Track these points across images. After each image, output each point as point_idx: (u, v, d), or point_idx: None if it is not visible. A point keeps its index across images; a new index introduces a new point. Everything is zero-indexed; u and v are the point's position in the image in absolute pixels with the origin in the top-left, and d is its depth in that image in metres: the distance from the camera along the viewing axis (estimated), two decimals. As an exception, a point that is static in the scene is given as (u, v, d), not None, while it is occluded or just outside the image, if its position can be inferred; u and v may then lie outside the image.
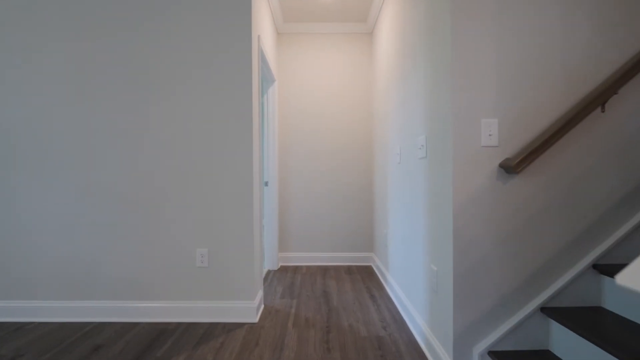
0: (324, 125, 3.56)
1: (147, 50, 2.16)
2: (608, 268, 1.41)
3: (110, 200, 2.17)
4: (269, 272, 3.30)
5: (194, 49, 2.15)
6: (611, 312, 1.41)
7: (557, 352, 1.40)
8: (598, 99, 1.41)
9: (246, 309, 2.14)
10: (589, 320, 1.35)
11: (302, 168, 3.57)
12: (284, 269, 3.39)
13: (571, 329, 1.33)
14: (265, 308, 2.39)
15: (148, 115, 2.16)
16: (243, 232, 2.15)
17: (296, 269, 3.41)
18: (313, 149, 3.56)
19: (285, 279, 3.05)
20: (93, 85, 2.17)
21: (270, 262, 3.37)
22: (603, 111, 1.45)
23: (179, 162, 2.16)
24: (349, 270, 3.36)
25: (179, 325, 2.11)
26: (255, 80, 2.27)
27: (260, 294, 2.34)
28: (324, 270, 3.36)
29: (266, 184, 3.35)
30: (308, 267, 3.45)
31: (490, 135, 1.44)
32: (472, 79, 1.45)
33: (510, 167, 1.38)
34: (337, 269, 3.41)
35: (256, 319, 2.16)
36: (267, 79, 3.28)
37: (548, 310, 1.42)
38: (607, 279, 1.44)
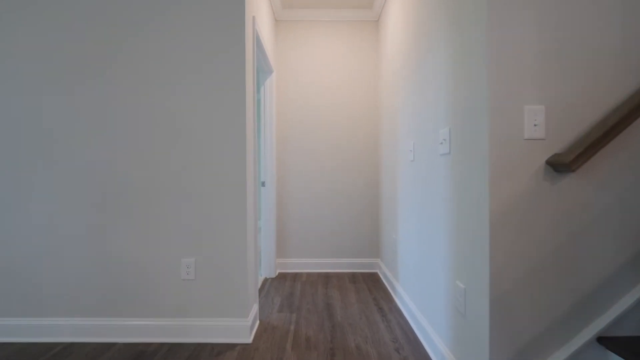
0: (326, 120, 3.29)
1: (115, 24, 1.88)
2: (680, 289, 1.15)
3: (78, 204, 1.89)
4: (265, 280, 3.02)
5: (175, 24, 1.87)
6: (684, 343, 1.14)
7: (619, 394, 1.14)
8: (668, 81, 1.14)
9: (239, 327, 1.86)
10: (656, 353, 1.08)
11: (302, 167, 3.29)
12: (282, 277, 3.11)
13: (635, 364, 1.06)
14: (260, 324, 2.11)
15: (124, 105, 1.89)
16: (235, 238, 1.88)
17: (295, 276, 3.14)
18: (314, 146, 3.29)
19: (284, 289, 2.78)
20: (60, 73, 1.89)
21: (267, 269, 3.10)
22: (672, 96, 1.19)
23: (160, 160, 1.88)
24: (353, 277, 3.09)
25: (160, 346, 1.83)
26: (249, 66, 2.00)
27: (255, 308, 2.07)
28: (326, 277, 3.09)
29: (263, 184, 3.08)
30: (308, 275, 3.18)
31: (535, 125, 1.18)
32: (513, 56, 1.18)
33: (564, 165, 1.11)
34: (340, 276, 3.14)
35: (250, 339, 1.88)
36: (263, 70, 3.00)
37: (606, 341, 1.16)
38: (677, 301, 1.18)
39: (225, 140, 1.88)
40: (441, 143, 1.59)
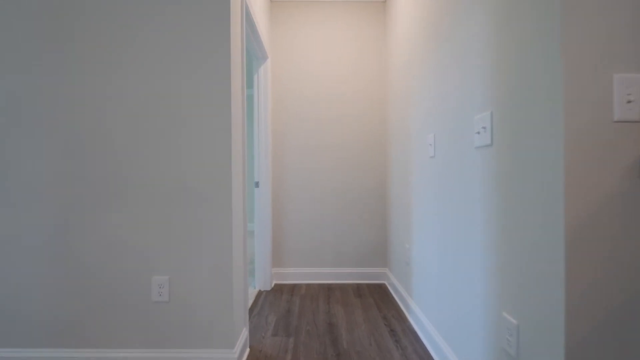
0: (328, 113, 2.95)
1: None
2: None
3: (24, 207, 1.54)
4: (259, 293, 2.68)
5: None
6: None
7: None
8: None
9: (222, 361, 1.52)
10: None
11: (300, 165, 2.95)
12: (278, 289, 2.77)
13: None
14: (251, 353, 1.77)
15: (71, 83, 1.54)
16: (218, 251, 1.53)
17: (294, 288, 2.79)
18: (314, 142, 2.95)
19: (280, 304, 2.43)
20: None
21: (262, 280, 2.75)
22: None
23: (122, 156, 1.54)
24: (359, 290, 2.75)
25: (126, 386, 1.49)
26: (236, 43, 1.66)
27: (244, 334, 1.73)
28: (328, 290, 2.75)
29: (256, 184, 2.73)
30: (308, 286, 2.84)
31: (629, 102, 0.84)
32: (600, 3, 0.84)
33: (680, 156, 0.77)
34: (343, 288, 2.79)
35: (237, 375, 1.54)
36: (257, 55, 2.66)
37: None
38: None
39: (204, 131, 1.53)
40: (478, 133, 1.25)
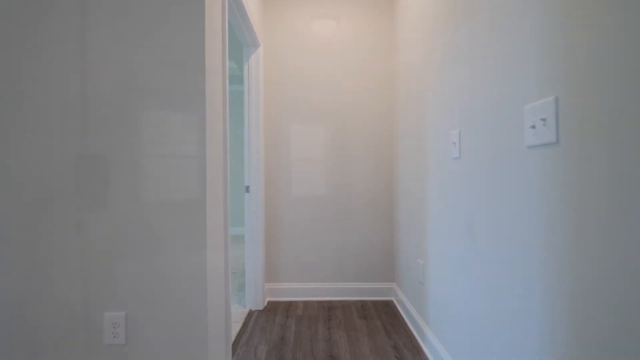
0: (327, 106, 2.62)
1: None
2: None
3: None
4: (250, 314, 2.35)
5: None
6: None
7: None
8: None
9: (194, 420, 1.19)
10: None
11: (297, 166, 2.62)
12: (272, 308, 2.44)
13: None
14: (234, 400, 1.44)
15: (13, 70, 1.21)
16: (189, 275, 1.20)
17: (289, 307, 2.46)
18: (313, 141, 2.62)
19: (273, 329, 2.10)
20: None
21: (253, 298, 2.42)
22: None
23: (77, 152, 1.21)
24: (363, 309, 2.42)
25: None
26: (214, 27, 1.32)
27: (225, 377, 1.40)
28: (328, 309, 2.41)
29: (247, 189, 2.40)
30: (306, 304, 2.50)
31: None
32: None
33: None
34: (346, 306, 2.46)
35: None
36: (247, 42, 2.33)
37: None
38: None
39: (171, 128, 1.20)
40: (532, 127, 0.92)
